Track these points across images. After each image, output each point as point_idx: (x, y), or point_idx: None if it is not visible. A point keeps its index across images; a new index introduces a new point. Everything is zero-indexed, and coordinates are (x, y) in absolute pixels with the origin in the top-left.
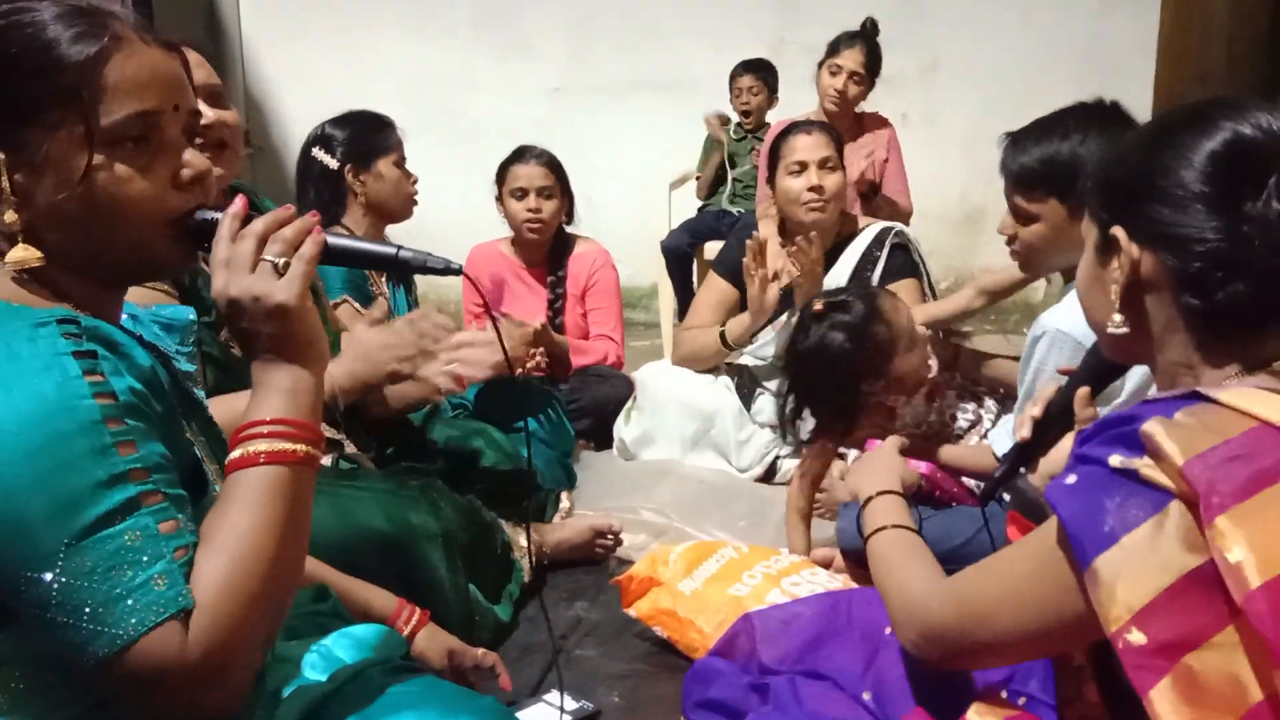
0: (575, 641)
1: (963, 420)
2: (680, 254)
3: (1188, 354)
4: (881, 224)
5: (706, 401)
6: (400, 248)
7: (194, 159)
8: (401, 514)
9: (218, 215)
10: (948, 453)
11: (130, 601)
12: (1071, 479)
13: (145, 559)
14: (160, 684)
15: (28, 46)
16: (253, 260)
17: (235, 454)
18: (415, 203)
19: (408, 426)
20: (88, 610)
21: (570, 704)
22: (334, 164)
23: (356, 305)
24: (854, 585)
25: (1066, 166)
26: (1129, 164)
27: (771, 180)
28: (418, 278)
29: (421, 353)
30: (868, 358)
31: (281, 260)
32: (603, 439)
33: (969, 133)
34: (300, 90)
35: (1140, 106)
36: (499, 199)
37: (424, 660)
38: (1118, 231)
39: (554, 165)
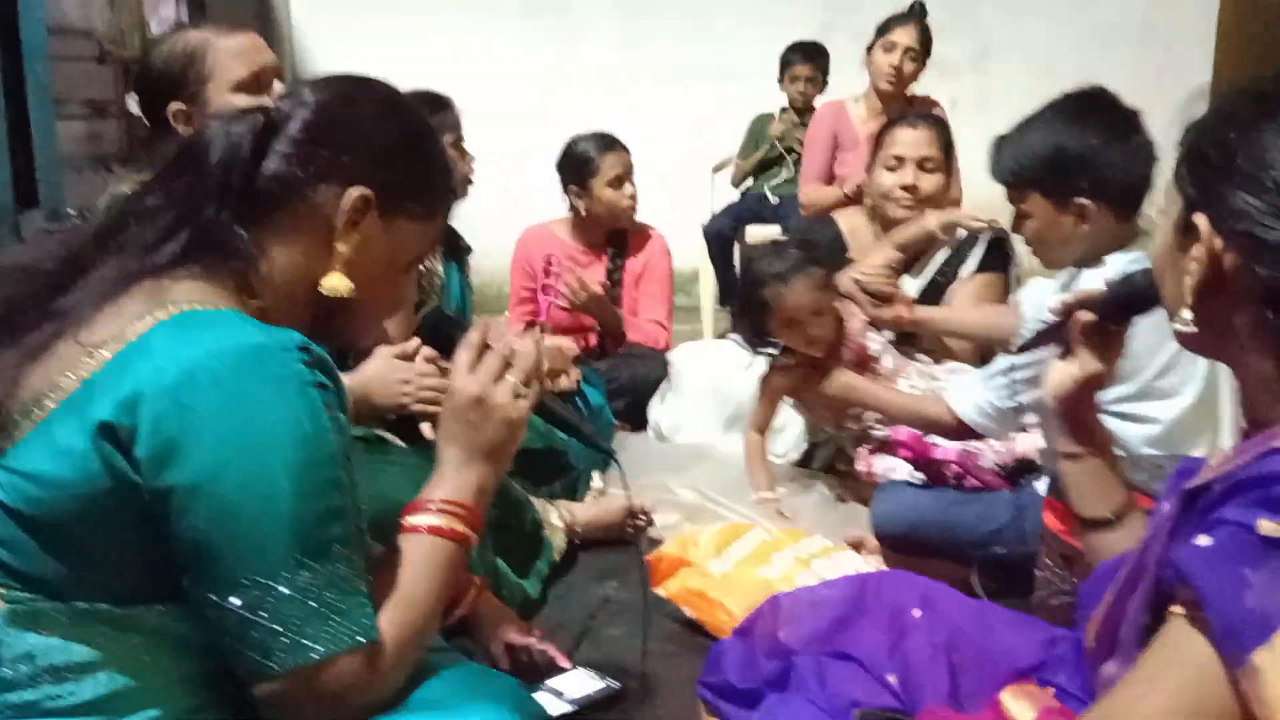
0: (604, 620)
1: (874, 346)
2: (722, 238)
3: (1267, 372)
4: (977, 224)
5: (742, 386)
6: (584, 421)
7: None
8: None
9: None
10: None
11: (332, 623)
12: (1205, 541)
13: (350, 588)
14: (334, 701)
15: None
16: (498, 375)
17: (422, 520)
18: (471, 182)
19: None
20: (296, 621)
21: (595, 682)
22: None
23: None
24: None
25: (1042, 159)
26: (1224, 134)
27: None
28: (470, 259)
29: (439, 400)
30: (758, 301)
31: (522, 387)
32: (639, 420)
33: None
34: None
35: (1198, 91)
36: (577, 188)
37: (478, 629)
38: (1200, 220)
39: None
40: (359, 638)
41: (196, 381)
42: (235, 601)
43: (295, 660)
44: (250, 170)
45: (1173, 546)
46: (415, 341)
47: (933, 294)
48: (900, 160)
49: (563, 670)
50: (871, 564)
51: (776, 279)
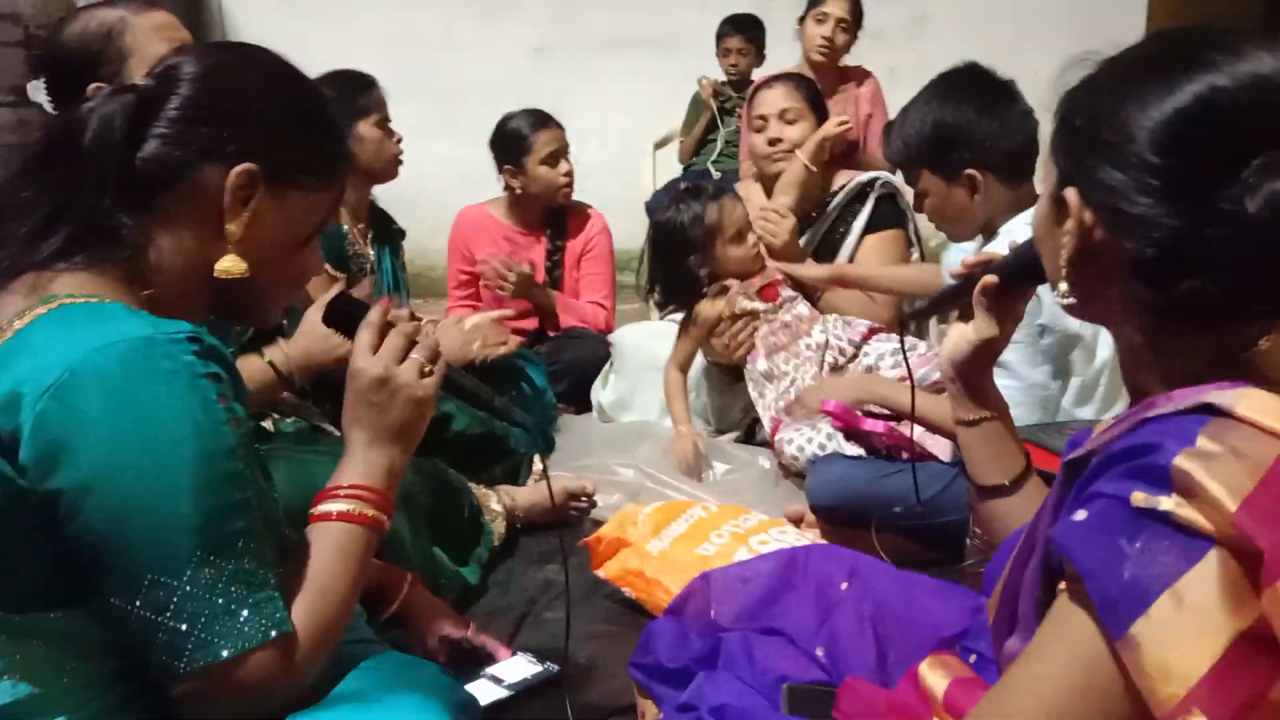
0: (544, 604)
1: (797, 308)
2: None
3: (1139, 343)
4: (865, 175)
5: None
6: (495, 396)
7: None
8: None
9: (362, 306)
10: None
11: (240, 619)
12: (1081, 515)
13: (257, 582)
14: (251, 696)
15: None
16: (401, 354)
17: (331, 508)
18: (400, 163)
19: None
20: (203, 619)
21: (533, 666)
22: None
23: (329, 269)
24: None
25: (925, 137)
26: (1089, 105)
27: None
28: (405, 242)
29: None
30: (698, 235)
31: (427, 364)
32: (582, 402)
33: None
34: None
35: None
36: (511, 167)
37: (412, 623)
38: (1070, 193)
39: (561, 125)
40: (270, 631)
41: (80, 378)
42: (138, 603)
43: (205, 659)
44: (127, 154)
45: (1055, 521)
46: (333, 291)
47: (826, 253)
48: (764, 119)
49: (501, 659)
50: (809, 538)
51: (711, 201)
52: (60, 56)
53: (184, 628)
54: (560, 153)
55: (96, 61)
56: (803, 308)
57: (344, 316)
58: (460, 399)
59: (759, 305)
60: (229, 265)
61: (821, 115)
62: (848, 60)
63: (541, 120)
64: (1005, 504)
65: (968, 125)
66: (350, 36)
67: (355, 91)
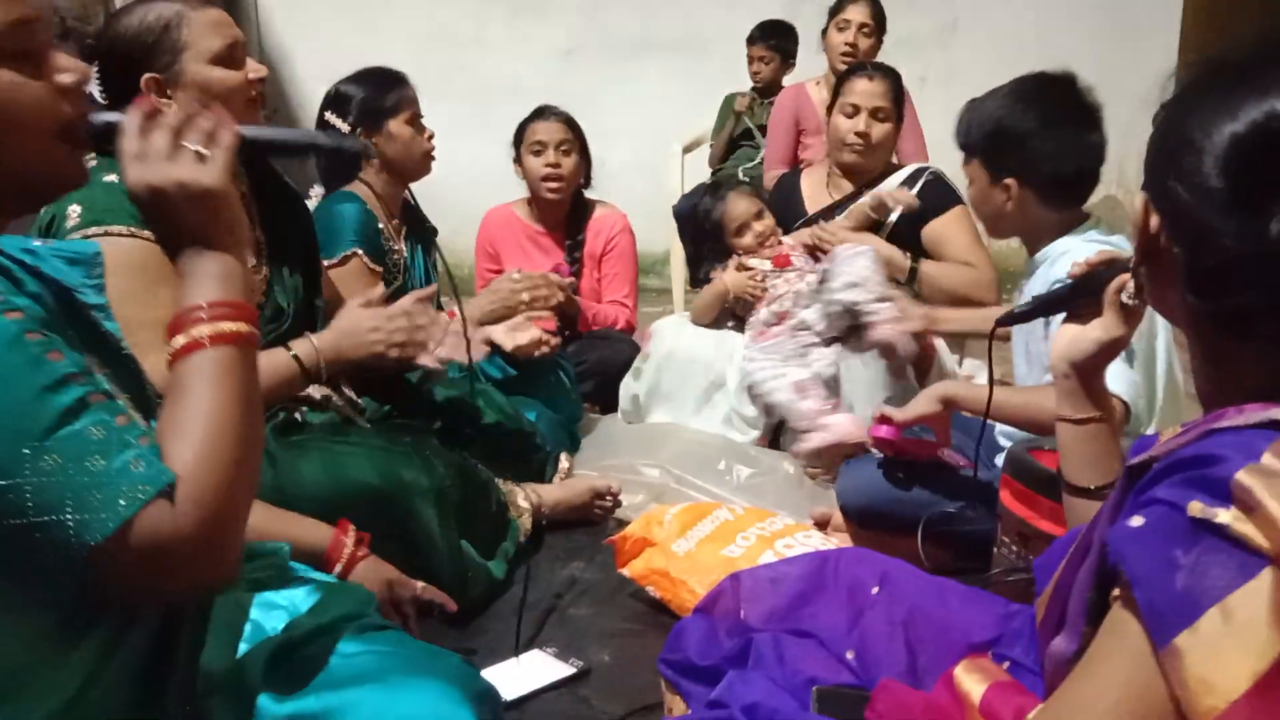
0: (569, 600)
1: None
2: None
3: (1201, 351)
4: (915, 164)
5: (719, 356)
6: (316, 136)
7: (70, 63)
8: (393, 470)
9: (117, 116)
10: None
11: (113, 486)
12: (1137, 521)
13: (113, 448)
14: (162, 558)
15: None
16: (170, 149)
17: (180, 341)
18: (432, 158)
19: (406, 384)
20: (70, 502)
21: (558, 662)
22: (344, 128)
23: (367, 260)
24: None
25: (984, 130)
26: (1164, 120)
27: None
28: (439, 240)
29: (411, 342)
30: (711, 225)
31: (203, 148)
32: (607, 402)
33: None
34: (314, 51)
35: (1164, 69)
36: (517, 160)
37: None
38: (1138, 200)
39: (571, 123)
40: (148, 489)
41: None
42: None
43: (99, 534)
44: None
45: (1111, 525)
46: (379, 289)
47: (898, 240)
48: (856, 109)
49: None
50: (835, 541)
51: (718, 200)
52: (115, 47)
53: (53, 517)
54: (549, 144)
55: (151, 54)
56: (802, 283)
57: (102, 137)
58: (270, 154)
59: (766, 266)
60: None
61: (901, 114)
62: None
63: (538, 112)
64: (1090, 506)
65: (1025, 136)
66: (382, 34)
67: (386, 88)
